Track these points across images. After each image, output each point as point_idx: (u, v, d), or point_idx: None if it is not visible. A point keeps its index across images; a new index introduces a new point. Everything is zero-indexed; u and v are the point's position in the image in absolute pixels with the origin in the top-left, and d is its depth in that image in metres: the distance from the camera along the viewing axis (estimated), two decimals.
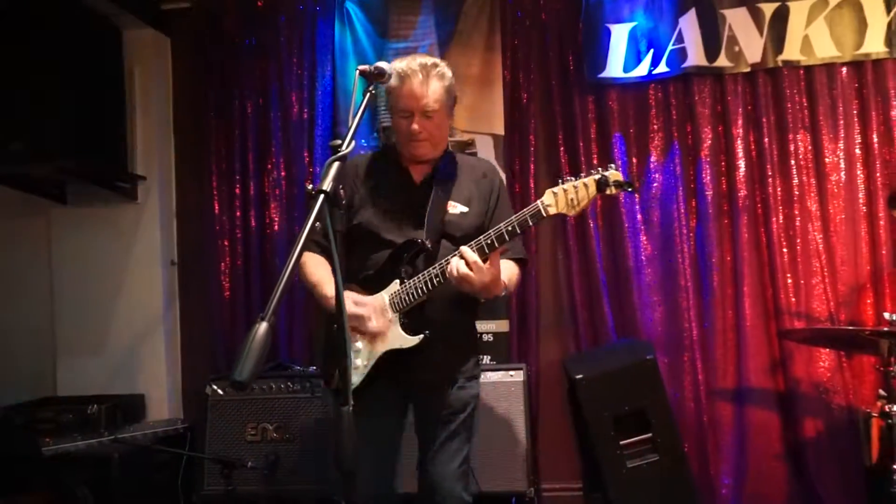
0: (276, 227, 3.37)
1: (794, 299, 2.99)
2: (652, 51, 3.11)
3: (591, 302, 3.15)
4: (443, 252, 1.90)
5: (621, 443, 2.52)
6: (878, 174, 2.97)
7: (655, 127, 3.16)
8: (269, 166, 3.41)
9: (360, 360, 1.89)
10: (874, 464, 2.33)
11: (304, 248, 1.19)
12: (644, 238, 3.14)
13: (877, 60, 2.99)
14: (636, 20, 3.14)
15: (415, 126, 1.89)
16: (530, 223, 1.75)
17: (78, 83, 3.04)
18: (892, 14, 2.97)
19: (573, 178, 1.73)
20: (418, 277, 1.84)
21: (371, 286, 1.91)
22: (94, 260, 3.40)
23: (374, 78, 1.66)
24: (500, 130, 3.23)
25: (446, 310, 1.90)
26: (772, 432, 2.98)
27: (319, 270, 1.94)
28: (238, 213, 3.41)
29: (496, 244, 1.77)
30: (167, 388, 3.34)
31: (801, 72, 3.05)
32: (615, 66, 3.13)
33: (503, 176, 3.08)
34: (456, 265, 1.76)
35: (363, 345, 1.91)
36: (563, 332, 3.21)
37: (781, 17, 3.04)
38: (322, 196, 1.25)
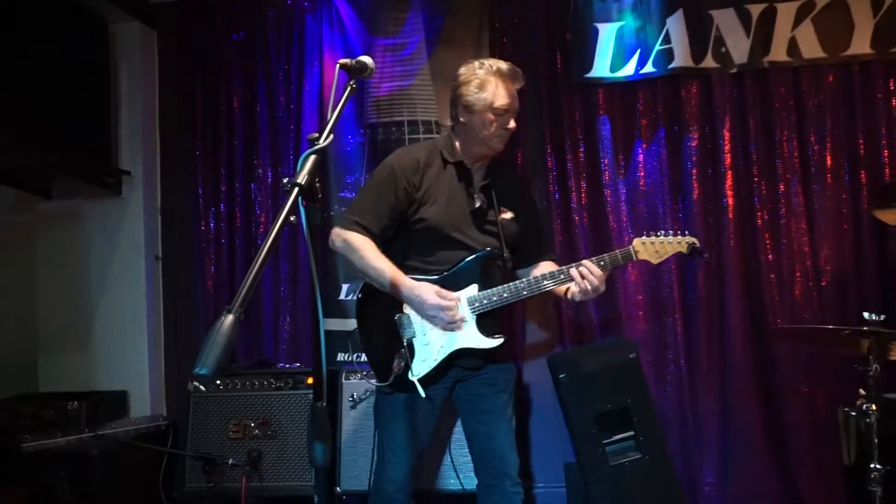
0: (261, 223, 3.36)
1: (778, 298, 3.00)
2: (639, 51, 3.11)
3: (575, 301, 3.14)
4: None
5: (604, 441, 2.52)
6: (862, 175, 2.99)
7: (642, 126, 3.16)
8: (256, 162, 3.39)
9: (427, 352, 1.97)
10: (853, 462, 2.34)
11: (277, 237, 1.17)
12: (630, 236, 3.13)
13: (864, 62, 3.00)
14: (624, 20, 3.14)
15: (514, 123, 2.04)
16: (620, 262, 2.06)
17: (62, 76, 3.02)
18: (878, 16, 2.98)
19: (661, 234, 2.08)
20: (504, 287, 2.00)
21: (446, 285, 1.98)
22: (77, 255, 3.38)
23: (356, 72, 1.65)
24: None
25: (508, 316, 2.19)
26: (755, 430, 2.99)
27: (383, 260, 1.98)
28: (224, 209, 3.40)
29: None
30: (150, 384, 3.32)
31: (789, 73, 3.06)
32: (602, 66, 3.13)
33: None
34: (579, 273, 2.00)
35: (434, 338, 1.97)
36: (548, 330, 3.21)
37: (769, 18, 3.05)
38: (297, 189, 1.24)
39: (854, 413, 2.08)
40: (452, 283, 2.00)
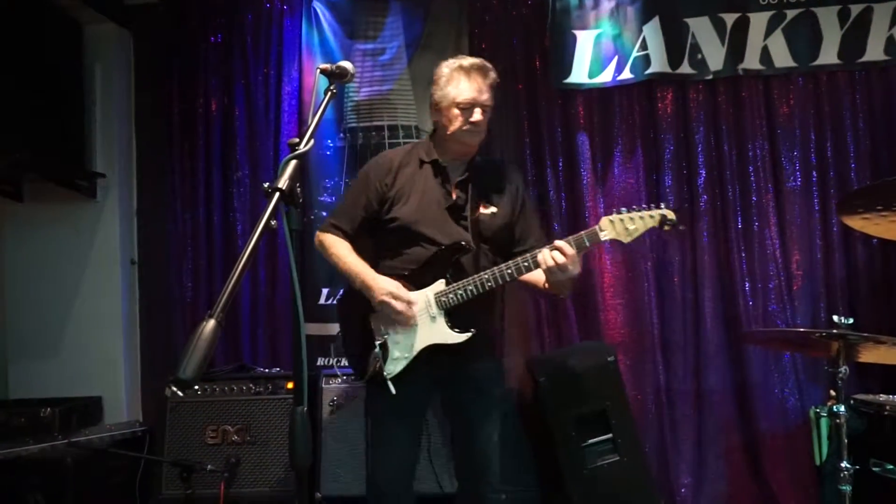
0: (239, 227, 3.33)
1: (751, 302, 3.06)
2: (616, 57, 3.16)
3: (554, 303, 3.17)
4: (481, 253, 2.03)
5: (582, 444, 2.55)
6: (831, 181, 3.07)
7: (619, 132, 3.20)
8: (234, 164, 3.37)
9: (399, 351, 1.99)
10: (824, 461, 2.40)
11: (258, 242, 1.17)
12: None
13: (831, 72, 3.09)
14: (601, 27, 3.18)
15: (480, 117, 2.01)
16: (586, 243, 1.91)
17: (35, 77, 2.97)
18: (845, 28, 3.07)
19: (632, 209, 1.91)
20: (469, 280, 1.96)
21: (415, 282, 2.00)
22: (50, 259, 3.32)
23: (336, 77, 1.65)
24: None
25: (484, 311, 2.07)
26: (730, 432, 3.05)
27: (353, 256, 2.04)
28: (201, 212, 3.36)
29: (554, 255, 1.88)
30: (125, 390, 3.27)
31: (760, 81, 3.13)
32: (580, 72, 3.17)
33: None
34: (551, 256, 1.86)
35: (402, 337, 1.98)
36: (527, 334, 3.22)
37: (742, 27, 3.12)
38: (277, 194, 1.24)
39: (824, 413, 2.13)
40: (421, 279, 2.00)
